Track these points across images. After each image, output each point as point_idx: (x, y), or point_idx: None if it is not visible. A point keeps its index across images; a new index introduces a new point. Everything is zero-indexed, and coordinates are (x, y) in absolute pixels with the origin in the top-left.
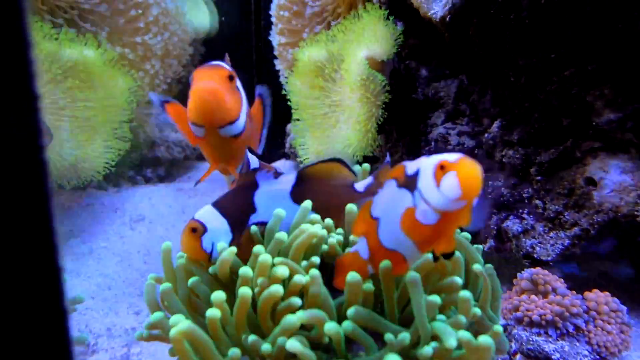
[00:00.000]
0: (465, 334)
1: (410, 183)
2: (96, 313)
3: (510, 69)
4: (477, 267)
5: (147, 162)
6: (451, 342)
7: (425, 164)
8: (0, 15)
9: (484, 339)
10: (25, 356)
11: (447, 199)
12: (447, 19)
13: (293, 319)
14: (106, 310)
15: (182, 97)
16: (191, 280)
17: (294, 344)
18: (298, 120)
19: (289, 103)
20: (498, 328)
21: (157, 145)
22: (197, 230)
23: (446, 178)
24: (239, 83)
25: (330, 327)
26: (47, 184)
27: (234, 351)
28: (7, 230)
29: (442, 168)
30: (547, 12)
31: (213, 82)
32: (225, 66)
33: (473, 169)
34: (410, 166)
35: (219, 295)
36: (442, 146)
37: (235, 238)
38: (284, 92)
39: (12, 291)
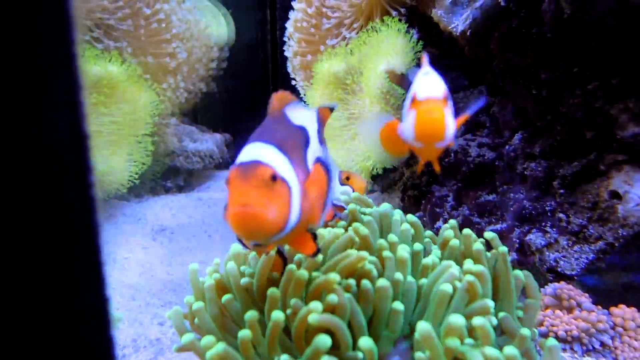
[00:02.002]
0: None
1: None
2: (121, 324)
3: (532, 82)
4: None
5: (166, 173)
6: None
7: (416, 83)
8: (54, 62)
9: (510, 350)
10: None
11: (406, 134)
12: (468, 33)
13: (324, 339)
14: (131, 321)
15: (203, 108)
16: (225, 297)
17: None
18: None
19: None
20: (525, 332)
21: (176, 156)
22: None
23: (409, 114)
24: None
25: (364, 342)
26: (95, 220)
27: None
28: (58, 263)
29: (412, 101)
30: (569, 26)
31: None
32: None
33: (429, 118)
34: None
35: (252, 315)
36: (461, 157)
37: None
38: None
39: (62, 319)
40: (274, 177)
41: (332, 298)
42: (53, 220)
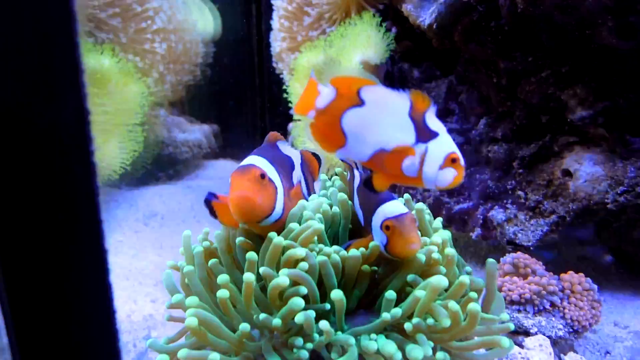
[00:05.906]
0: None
1: (424, 133)
2: (116, 302)
3: (493, 71)
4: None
5: (156, 162)
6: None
7: (446, 142)
8: (61, 51)
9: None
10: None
11: (435, 181)
12: (434, 26)
13: (298, 301)
14: (125, 299)
15: (192, 100)
16: (211, 261)
17: (300, 318)
18: (299, 120)
19: (290, 104)
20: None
21: (166, 146)
22: None
23: (448, 171)
24: None
25: (335, 294)
26: (95, 181)
27: (244, 325)
28: (61, 222)
29: (453, 161)
30: (523, 20)
31: None
32: None
33: (461, 178)
34: (434, 122)
35: (223, 278)
36: None
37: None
38: (285, 94)
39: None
40: (263, 176)
41: (303, 265)
42: (62, 187)
